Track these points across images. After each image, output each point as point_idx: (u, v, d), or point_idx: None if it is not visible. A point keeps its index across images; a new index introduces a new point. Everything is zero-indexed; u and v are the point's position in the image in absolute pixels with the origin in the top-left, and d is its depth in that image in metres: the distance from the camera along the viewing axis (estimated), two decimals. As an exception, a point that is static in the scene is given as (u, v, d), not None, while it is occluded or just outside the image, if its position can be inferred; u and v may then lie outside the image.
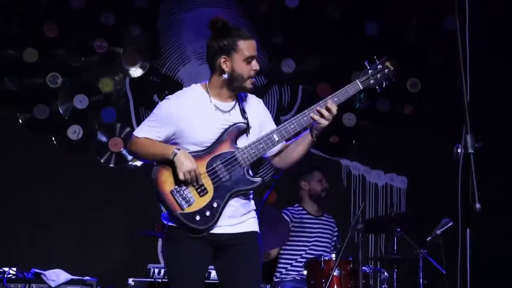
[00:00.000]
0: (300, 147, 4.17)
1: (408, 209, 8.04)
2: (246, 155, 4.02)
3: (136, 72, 7.79)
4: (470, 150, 3.17)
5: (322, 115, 4.02)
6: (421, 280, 6.35)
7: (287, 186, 7.27)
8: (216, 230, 4.02)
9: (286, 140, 4.19)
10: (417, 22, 8.22)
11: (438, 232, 6.20)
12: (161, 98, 7.62)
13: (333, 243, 7.13)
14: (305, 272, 6.45)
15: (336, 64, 7.97)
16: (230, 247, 4.06)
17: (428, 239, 6.26)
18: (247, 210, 4.14)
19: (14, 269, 5.69)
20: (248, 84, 4.08)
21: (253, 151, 4.03)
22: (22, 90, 7.49)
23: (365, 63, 4.18)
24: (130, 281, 6.21)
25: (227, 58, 4.03)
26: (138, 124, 7.47)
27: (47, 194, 7.37)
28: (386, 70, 4.18)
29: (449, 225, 6.16)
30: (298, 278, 6.90)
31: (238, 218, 4.09)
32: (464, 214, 3.12)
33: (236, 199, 4.05)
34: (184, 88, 4.29)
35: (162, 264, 6.84)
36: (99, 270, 6.65)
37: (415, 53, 8.16)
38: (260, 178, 4.10)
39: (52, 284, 5.65)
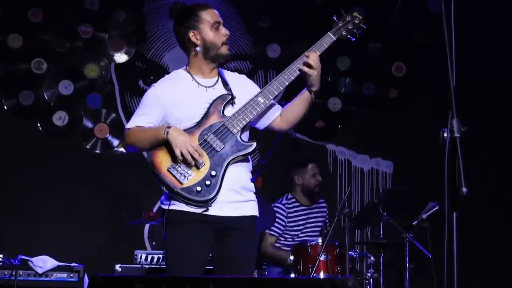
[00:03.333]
0: (300, 107, 4.25)
1: (394, 189, 8.05)
2: (235, 121, 4.07)
3: (121, 57, 7.77)
4: (456, 134, 3.16)
5: (310, 66, 4.11)
6: (407, 264, 6.39)
7: (274, 171, 7.27)
8: (217, 212, 4.02)
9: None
10: (402, 5, 8.21)
11: (424, 216, 6.24)
12: (147, 84, 7.65)
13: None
14: (292, 257, 6.45)
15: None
16: (230, 231, 4.07)
17: (414, 223, 6.29)
18: (247, 187, 4.16)
19: (1, 255, 5.68)
20: (223, 50, 4.17)
21: (240, 116, 4.08)
22: (7, 76, 7.47)
23: (334, 17, 4.32)
24: (117, 267, 6.21)
25: (195, 32, 4.13)
26: (124, 109, 7.61)
27: (33, 181, 7.35)
28: (355, 20, 4.31)
29: (435, 209, 6.20)
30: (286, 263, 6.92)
31: (239, 193, 4.09)
32: (451, 198, 3.13)
33: (234, 171, 4.06)
34: (166, 75, 4.34)
35: (149, 250, 6.85)
36: (85, 257, 6.65)
37: (400, 37, 8.17)
38: (254, 142, 4.12)
39: (39, 270, 5.64)
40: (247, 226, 4.12)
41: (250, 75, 7.87)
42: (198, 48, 4.14)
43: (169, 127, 4.00)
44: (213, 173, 4.00)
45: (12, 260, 5.68)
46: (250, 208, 4.17)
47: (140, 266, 6.26)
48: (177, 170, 3.99)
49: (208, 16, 4.14)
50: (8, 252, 5.84)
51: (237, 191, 4.09)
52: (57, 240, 7.20)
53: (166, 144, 4.01)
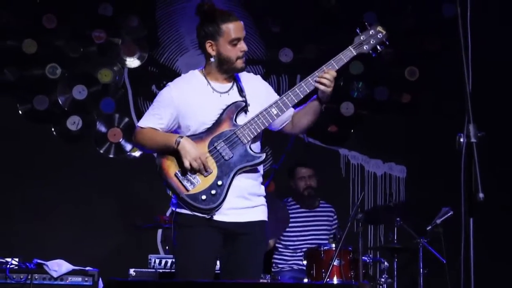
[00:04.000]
0: (309, 115, 4.20)
1: (407, 198, 8.04)
2: (246, 131, 4.05)
3: (133, 63, 7.79)
4: (473, 140, 3.16)
5: (323, 82, 4.04)
6: (421, 269, 6.36)
7: (287, 175, 7.26)
8: (224, 218, 4.04)
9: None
10: (414, 9, 8.19)
11: (438, 221, 6.21)
12: (160, 88, 7.65)
13: (331, 232, 7.13)
14: (305, 262, 6.45)
15: (334, 53, 7.92)
16: (238, 235, 4.08)
17: (428, 228, 6.27)
18: (256, 193, 4.16)
19: (17, 259, 5.70)
20: (238, 64, 4.10)
21: (252, 126, 4.05)
22: (21, 81, 7.52)
23: (357, 30, 4.20)
24: (132, 271, 6.22)
25: (212, 43, 4.07)
26: (137, 114, 7.65)
27: (47, 185, 7.39)
28: (379, 35, 4.19)
29: (449, 214, 6.18)
30: (296, 268, 6.91)
31: (247, 199, 4.10)
32: (467, 204, 3.12)
33: (243, 178, 4.07)
34: (182, 74, 4.32)
35: (162, 254, 6.86)
36: (99, 261, 6.65)
37: (413, 41, 8.15)
38: (263, 153, 4.10)
39: (54, 274, 5.66)
40: (255, 231, 4.13)
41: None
42: (212, 59, 4.11)
43: (180, 137, 4.00)
44: (220, 182, 4.00)
45: (27, 264, 5.70)
46: (258, 213, 4.17)
47: (154, 270, 6.26)
48: (184, 176, 4.00)
49: (230, 30, 4.03)
50: (23, 256, 5.86)
51: (245, 197, 4.10)
52: (72, 244, 7.22)
53: (175, 153, 4.01)
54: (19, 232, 7.27)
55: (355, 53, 4.15)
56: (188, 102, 4.09)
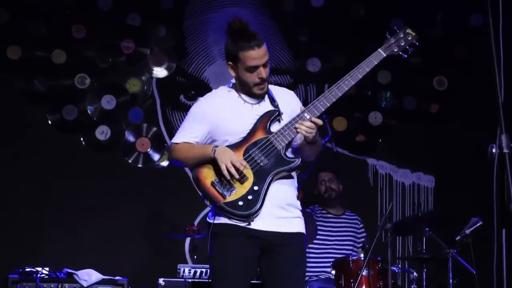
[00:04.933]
0: (308, 149, 4.17)
1: (436, 208, 7.99)
2: (280, 137, 4.03)
3: (161, 73, 7.83)
4: (505, 150, 3.14)
5: (305, 127, 3.99)
6: (450, 280, 6.32)
7: (315, 185, 7.26)
8: (262, 226, 4.02)
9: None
10: (442, 19, 8.16)
11: (468, 231, 6.17)
12: (188, 98, 7.70)
13: (359, 241, 7.11)
14: (333, 272, 6.43)
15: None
16: (277, 247, 4.06)
17: (457, 238, 6.23)
18: (294, 204, 4.13)
19: (47, 269, 5.76)
20: (255, 90, 4.09)
21: (286, 132, 4.04)
22: (51, 91, 7.57)
23: (386, 34, 4.19)
24: (161, 281, 6.24)
25: (232, 65, 4.09)
26: (165, 124, 7.68)
27: (76, 195, 7.42)
28: (408, 37, 4.19)
29: (478, 224, 6.13)
30: (323, 277, 6.89)
31: (285, 209, 4.08)
32: (500, 215, 3.11)
33: (280, 186, 4.05)
34: (213, 90, 4.35)
35: (191, 264, 6.88)
36: (128, 270, 6.69)
37: (442, 50, 8.11)
38: (298, 158, 4.08)
39: (84, 283, 5.71)
40: (293, 243, 4.11)
41: (290, 90, 7.86)
42: (232, 80, 4.17)
43: (216, 146, 4.03)
44: (256, 188, 4.00)
45: (58, 273, 5.75)
46: (296, 225, 4.15)
47: (183, 280, 6.27)
48: (221, 185, 4.01)
49: (248, 59, 3.99)
50: (54, 265, 5.91)
51: (283, 207, 4.08)
52: (101, 254, 7.25)
53: (212, 162, 4.03)
54: (49, 241, 7.31)
55: (384, 55, 4.14)
56: (221, 116, 4.11)
